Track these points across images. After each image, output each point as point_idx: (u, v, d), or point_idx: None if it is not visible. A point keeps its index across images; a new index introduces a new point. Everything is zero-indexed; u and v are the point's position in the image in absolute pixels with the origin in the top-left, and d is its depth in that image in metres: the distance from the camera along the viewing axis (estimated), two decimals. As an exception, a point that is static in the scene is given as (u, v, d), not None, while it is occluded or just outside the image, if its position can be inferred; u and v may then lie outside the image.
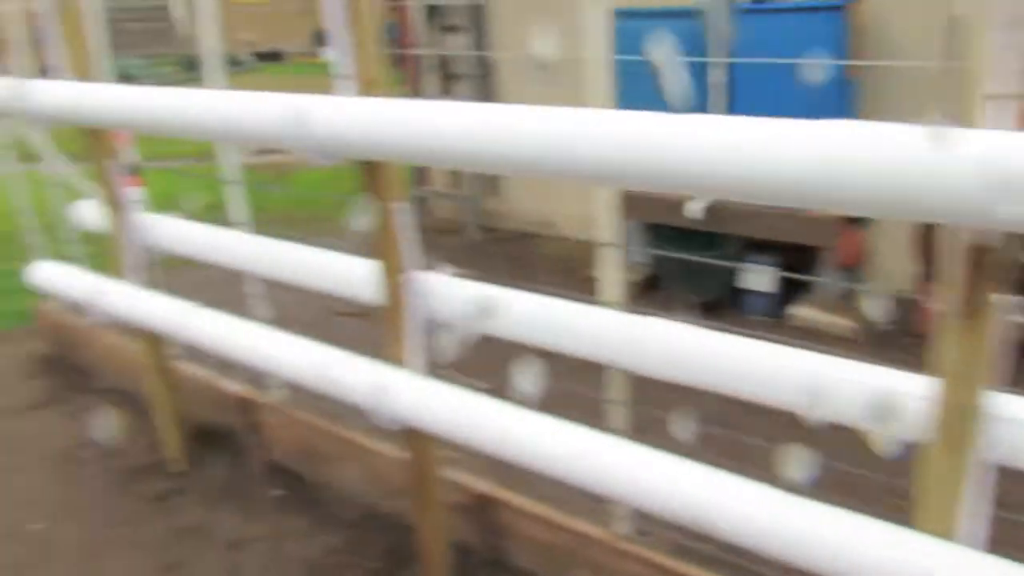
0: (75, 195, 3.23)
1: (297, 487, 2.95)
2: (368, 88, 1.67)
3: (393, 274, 1.87)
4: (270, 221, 2.83)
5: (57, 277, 2.93)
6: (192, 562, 2.64)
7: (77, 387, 3.80)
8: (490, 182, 6.01)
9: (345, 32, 1.60)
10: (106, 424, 3.45)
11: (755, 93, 3.98)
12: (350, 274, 2.06)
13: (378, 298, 1.93)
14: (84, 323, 3.79)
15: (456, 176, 6.19)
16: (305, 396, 3.02)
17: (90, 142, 2.46)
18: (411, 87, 5.81)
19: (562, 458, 1.81)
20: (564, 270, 5.05)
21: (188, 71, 15.22)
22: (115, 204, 2.56)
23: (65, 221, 3.62)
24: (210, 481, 3.00)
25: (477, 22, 5.24)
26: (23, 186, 3.84)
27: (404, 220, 1.83)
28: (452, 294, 1.95)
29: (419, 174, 6.13)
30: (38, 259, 3.94)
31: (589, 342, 1.84)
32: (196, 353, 3.00)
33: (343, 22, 1.59)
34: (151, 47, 15.20)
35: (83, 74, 2.35)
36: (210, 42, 2.38)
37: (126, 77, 16.25)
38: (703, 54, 3.93)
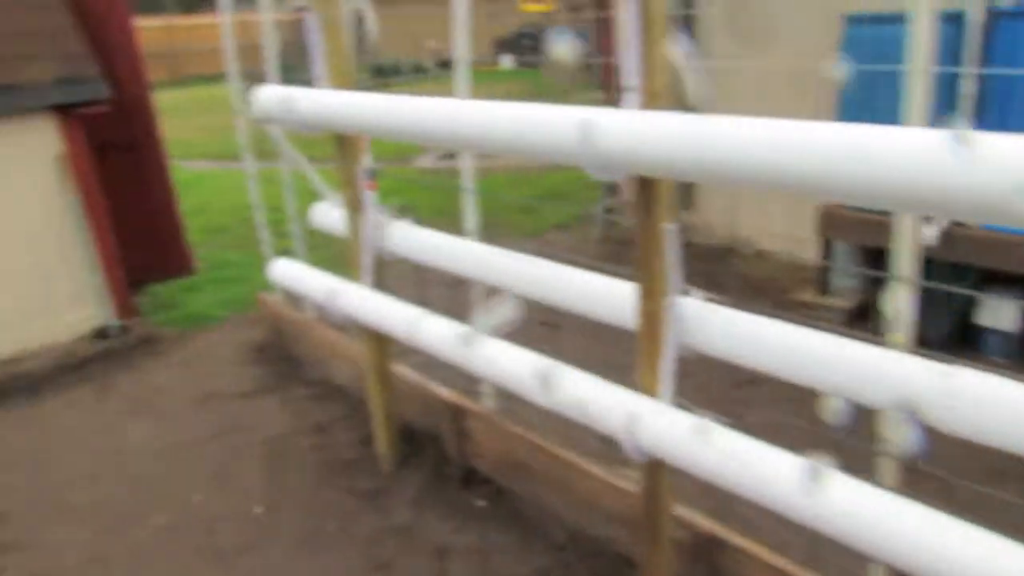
0: (307, 194, 3.39)
1: (501, 499, 2.92)
2: (653, 101, 1.56)
3: (654, 297, 1.76)
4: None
5: (294, 274, 3.07)
6: (400, 565, 2.66)
7: (291, 376, 4.01)
8: (684, 194, 5.80)
9: (635, 41, 1.51)
10: (318, 415, 3.61)
11: (1015, 106, 3.54)
12: (600, 292, 1.97)
13: (633, 321, 1.83)
14: (301, 316, 3.99)
15: (647, 187, 6.04)
16: (515, 406, 3.00)
17: (339, 146, 2.54)
18: (608, 98, 5.71)
19: (815, 505, 1.62)
20: (767, 291, 4.76)
21: (376, 77, 16.08)
22: (356, 207, 2.63)
23: (293, 218, 3.83)
24: (416, 484, 3.03)
25: (687, 33, 5.05)
26: (257, 183, 4.09)
27: (672, 241, 1.71)
28: (708, 320, 1.82)
29: (609, 185, 6.03)
30: (260, 252, 4.20)
31: (864, 385, 1.64)
32: (404, 355, 3.06)
33: (636, 31, 1.50)
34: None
35: (343, 83, 2.43)
36: (461, 50, 2.37)
37: (323, 82, 17.11)
38: (953, 63, 3.54)
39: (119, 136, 4.36)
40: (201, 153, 10.36)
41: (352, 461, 3.23)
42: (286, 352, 4.20)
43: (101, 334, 4.26)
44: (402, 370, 3.19)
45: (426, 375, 3.22)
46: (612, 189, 6.05)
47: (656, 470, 1.94)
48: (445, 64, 17.04)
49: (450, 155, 9.69)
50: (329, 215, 2.97)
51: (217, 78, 21.34)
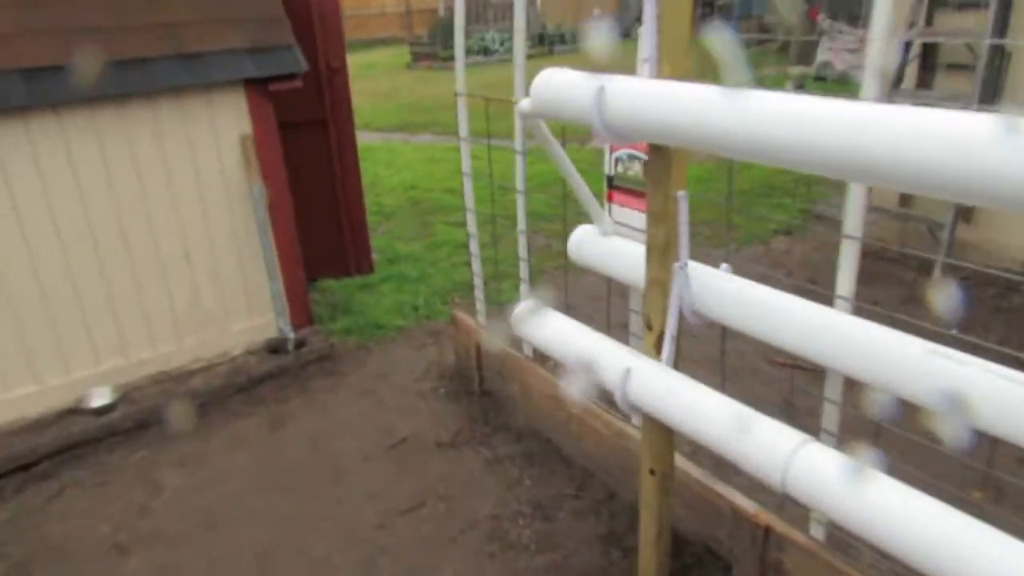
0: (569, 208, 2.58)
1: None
2: None
3: None
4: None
5: (551, 331, 2.19)
6: None
7: (493, 422, 3.25)
8: (960, 204, 4.60)
9: None
10: (537, 490, 2.82)
11: None
12: None
13: None
14: (509, 349, 3.21)
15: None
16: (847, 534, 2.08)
17: (655, 164, 1.69)
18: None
19: None
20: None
21: (538, 45, 15.21)
22: (665, 249, 1.77)
23: (522, 234, 3.02)
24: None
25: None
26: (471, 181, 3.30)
27: None
28: None
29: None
30: (435, 243, 3.45)
31: None
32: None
33: None
34: (508, 20, 15.46)
35: (679, 71, 1.56)
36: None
37: (483, 50, 16.44)
38: None
39: (309, 114, 3.72)
40: (365, 123, 9.89)
41: (596, 573, 2.42)
42: (484, 386, 3.45)
43: (274, 347, 3.67)
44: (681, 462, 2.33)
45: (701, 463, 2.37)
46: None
47: None
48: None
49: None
50: (600, 246, 2.13)
51: (374, 43, 21.17)
